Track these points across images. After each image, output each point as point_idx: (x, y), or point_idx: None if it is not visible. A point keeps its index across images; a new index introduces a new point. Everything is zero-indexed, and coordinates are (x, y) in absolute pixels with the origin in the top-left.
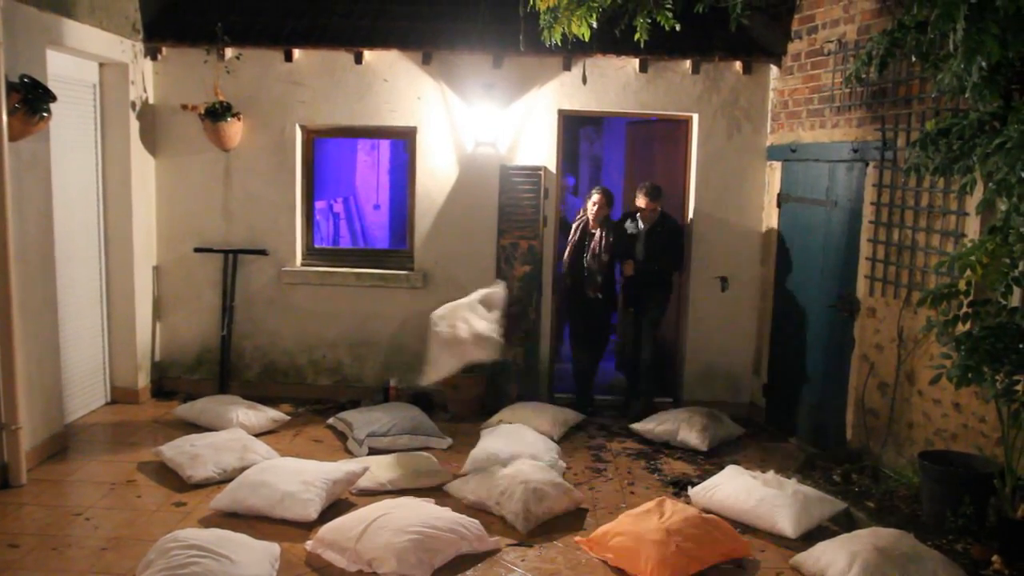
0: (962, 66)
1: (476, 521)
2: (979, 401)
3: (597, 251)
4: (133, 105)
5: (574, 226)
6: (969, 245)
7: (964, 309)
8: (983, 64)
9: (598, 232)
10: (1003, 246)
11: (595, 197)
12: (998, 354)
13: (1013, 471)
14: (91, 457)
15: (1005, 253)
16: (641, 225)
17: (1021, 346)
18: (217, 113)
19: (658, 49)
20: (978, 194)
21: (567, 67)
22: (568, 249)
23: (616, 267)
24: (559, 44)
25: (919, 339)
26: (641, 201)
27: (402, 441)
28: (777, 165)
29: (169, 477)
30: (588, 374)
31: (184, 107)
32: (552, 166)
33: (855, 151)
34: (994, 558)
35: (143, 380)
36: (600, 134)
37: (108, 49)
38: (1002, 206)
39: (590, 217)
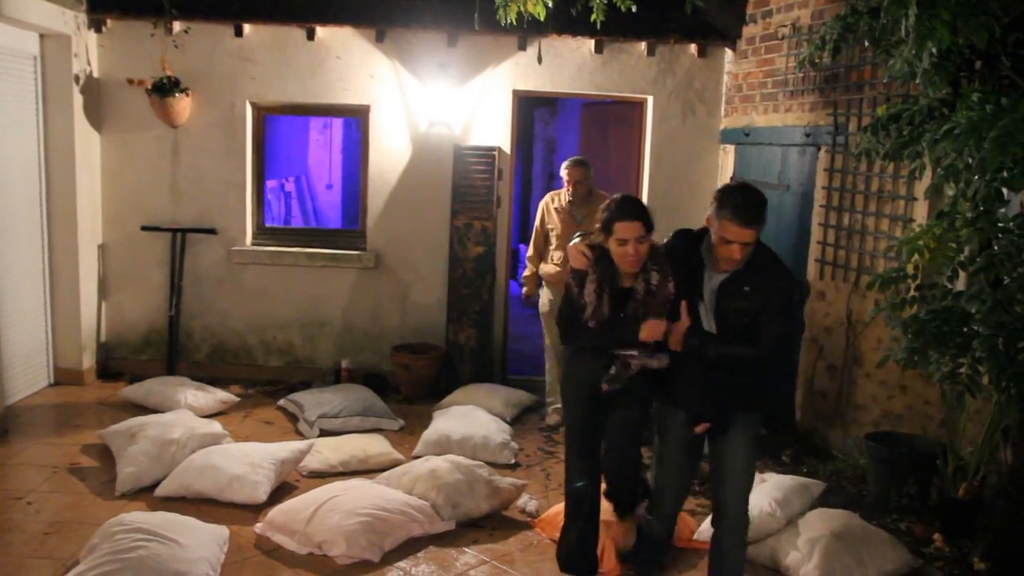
0: (913, 52)
1: (427, 503)
2: (924, 383)
3: (635, 309)
4: (77, 79)
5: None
6: (917, 230)
7: (911, 293)
8: (933, 50)
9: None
10: (950, 231)
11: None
12: (943, 337)
13: (955, 452)
14: (33, 440)
15: (951, 238)
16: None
17: (965, 330)
18: (165, 88)
19: (614, 30)
20: (927, 179)
21: (522, 47)
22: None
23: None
24: (514, 23)
25: (867, 322)
26: (565, 174)
27: (353, 422)
28: (731, 149)
29: (114, 460)
30: (587, 512)
31: (130, 82)
32: (506, 147)
33: (807, 135)
34: (935, 536)
35: (88, 361)
36: (555, 115)
37: (49, 19)
38: (949, 191)
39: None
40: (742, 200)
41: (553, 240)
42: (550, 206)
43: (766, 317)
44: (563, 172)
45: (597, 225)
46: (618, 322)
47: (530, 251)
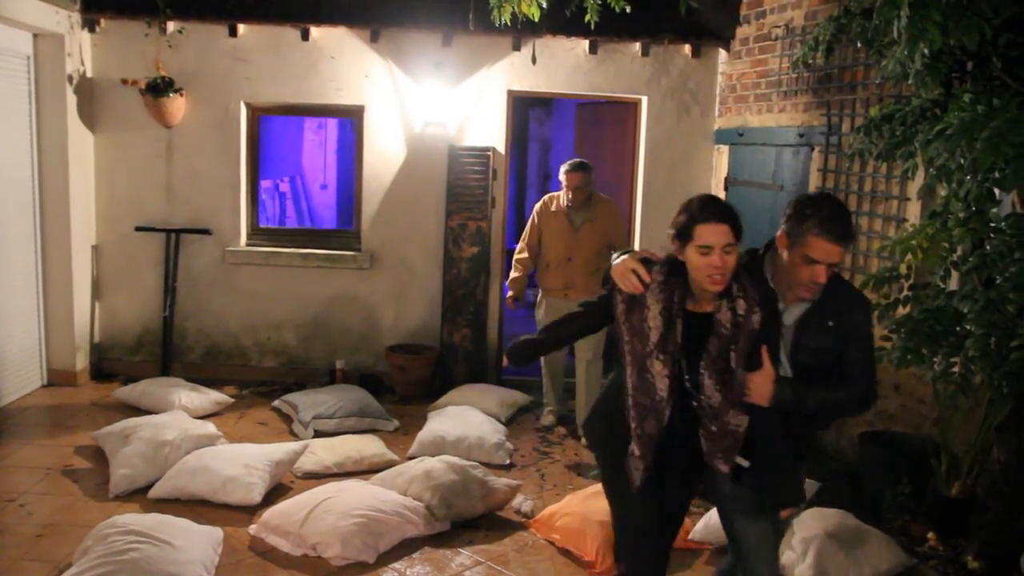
0: (905, 53)
1: (421, 504)
2: (917, 382)
3: (719, 347)
4: (70, 78)
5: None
6: (910, 230)
7: (904, 292)
8: (925, 51)
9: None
10: (942, 231)
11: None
12: (936, 337)
13: (949, 451)
14: (26, 441)
15: (944, 238)
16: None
17: (958, 329)
18: (159, 88)
19: (608, 31)
20: (919, 179)
21: (517, 47)
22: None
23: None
24: (509, 24)
25: None
26: (564, 178)
27: (348, 423)
28: (725, 149)
29: (108, 462)
30: None
31: (124, 82)
32: (501, 147)
33: (801, 136)
34: (929, 535)
35: (81, 362)
36: (549, 116)
37: (42, 19)
38: (942, 191)
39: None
40: (830, 212)
41: (546, 246)
42: (548, 209)
43: (854, 351)
44: (562, 176)
45: (671, 231)
46: (697, 361)
47: (519, 253)
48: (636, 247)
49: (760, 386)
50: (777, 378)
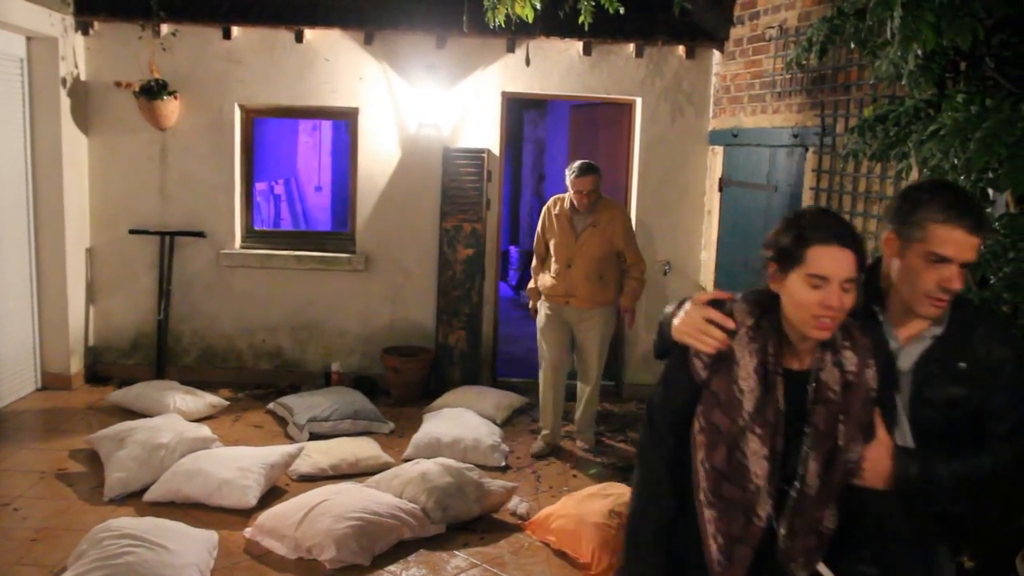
0: (899, 53)
1: (417, 506)
2: None
3: (827, 418)
4: (64, 81)
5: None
6: None
7: None
8: (919, 52)
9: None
10: None
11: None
12: None
13: None
14: (20, 445)
15: None
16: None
17: None
18: (152, 91)
19: (602, 32)
20: (913, 179)
21: (511, 49)
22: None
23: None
24: (503, 25)
25: None
26: (573, 184)
27: (344, 426)
28: (719, 150)
29: (102, 465)
30: None
31: (118, 84)
32: (496, 149)
33: (795, 136)
34: None
35: (76, 365)
36: (544, 117)
37: (36, 22)
38: None
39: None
40: (953, 196)
41: (552, 250)
42: (552, 211)
43: (1000, 399)
44: (569, 180)
45: (767, 252)
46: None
47: (534, 261)
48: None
49: (877, 463)
50: (896, 450)
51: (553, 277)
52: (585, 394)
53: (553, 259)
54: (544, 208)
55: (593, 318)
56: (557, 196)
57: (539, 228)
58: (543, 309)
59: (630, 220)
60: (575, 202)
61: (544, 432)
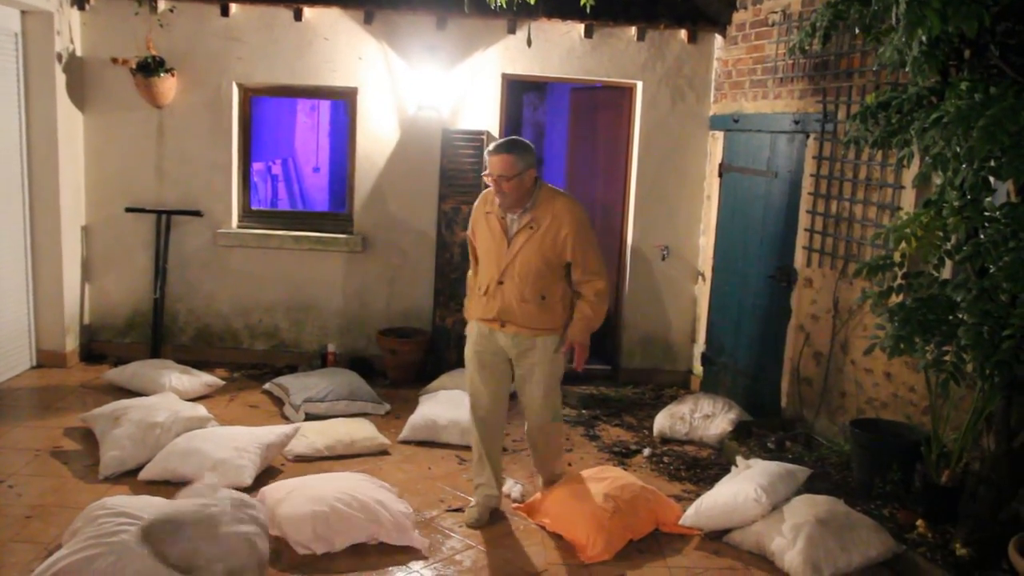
0: (903, 40)
1: (408, 510)
2: (909, 371)
3: None
4: (59, 57)
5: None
6: (904, 218)
7: (898, 281)
8: (923, 39)
9: None
10: (937, 219)
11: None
12: (929, 325)
13: (939, 439)
14: (15, 423)
15: (938, 226)
16: None
17: (951, 318)
18: (149, 68)
19: (603, 15)
20: (915, 168)
21: (512, 30)
22: None
23: None
24: (504, 6)
25: (854, 310)
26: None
27: (339, 407)
28: (719, 135)
29: (97, 443)
30: None
31: (114, 61)
32: (495, 131)
33: (796, 122)
34: (918, 522)
35: (71, 343)
36: (543, 100)
37: None
38: (937, 180)
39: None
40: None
41: (480, 262)
42: (482, 209)
43: None
44: (485, 160)
45: None
46: None
47: (470, 270)
48: (628, 246)
49: None
50: None
51: (483, 294)
52: (537, 440)
53: (480, 274)
54: (474, 205)
55: (535, 350)
56: (489, 189)
57: (469, 230)
58: (472, 335)
59: (585, 218)
60: (496, 192)
61: (487, 492)
